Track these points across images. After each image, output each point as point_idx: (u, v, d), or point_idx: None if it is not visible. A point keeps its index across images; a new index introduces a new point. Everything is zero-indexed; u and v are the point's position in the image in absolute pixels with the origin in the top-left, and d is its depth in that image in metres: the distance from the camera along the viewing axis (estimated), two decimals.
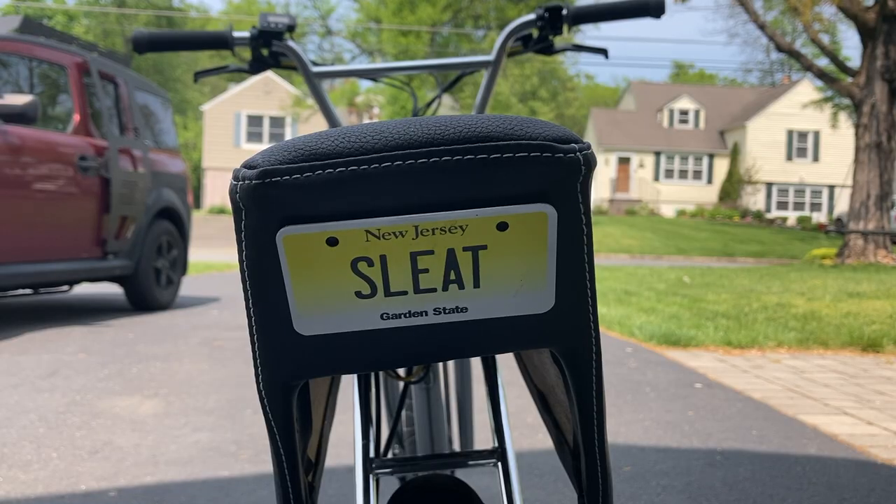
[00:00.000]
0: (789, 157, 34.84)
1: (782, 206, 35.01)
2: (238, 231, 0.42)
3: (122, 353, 3.97)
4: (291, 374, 0.46)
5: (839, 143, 32.06)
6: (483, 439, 2.52)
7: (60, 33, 5.44)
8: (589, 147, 0.42)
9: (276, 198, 0.40)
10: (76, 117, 5.06)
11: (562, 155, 0.41)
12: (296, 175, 0.40)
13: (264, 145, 33.38)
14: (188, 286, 7.71)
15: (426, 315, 0.44)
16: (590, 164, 0.42)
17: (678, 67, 59.94)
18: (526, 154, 0.40)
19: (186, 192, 6.46)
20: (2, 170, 4.33)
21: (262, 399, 0.47)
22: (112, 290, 7.01)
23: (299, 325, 0.44)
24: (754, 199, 34.71)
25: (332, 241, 0.41)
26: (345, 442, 2.49)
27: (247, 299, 0.44)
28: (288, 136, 33.03)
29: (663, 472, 2.30)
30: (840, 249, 13.76)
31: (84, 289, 7.13)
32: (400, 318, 0.44)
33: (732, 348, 4.62)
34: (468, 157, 0.40)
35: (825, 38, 16.78)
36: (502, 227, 0.42)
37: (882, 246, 13.24)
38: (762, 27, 15.64)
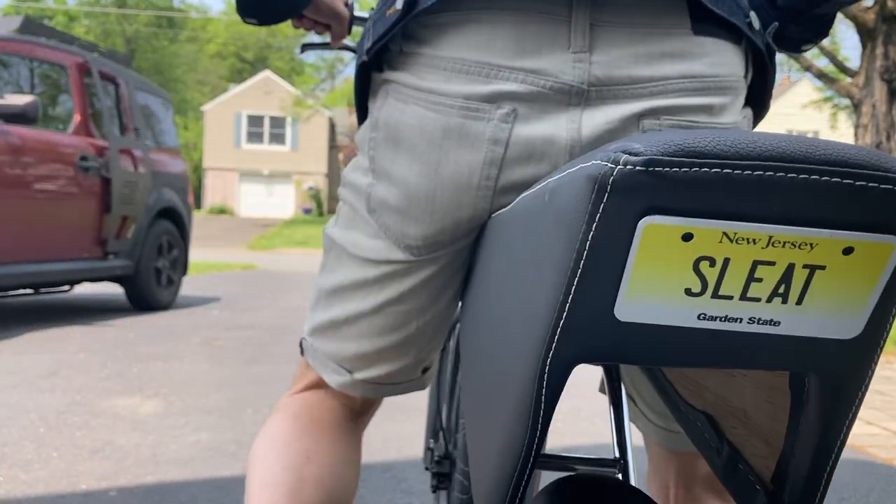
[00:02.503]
0: None
1: None
2: (591, 213, 0.43)
3: (122, 353, 3.97)
4: (595, 355, 0.47)
5: None
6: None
7: (61, 33, 5.44)
8: None
9: (650, 186, 0.41)
10: (77, 117, 5.06)
11: None
12: (676, 168, 0.41)
13: (265, 146, 33.41)
14: (189, 286, 7.71)
15: (741, 322, 0.45)
16: None
17: None
18: (891, 187, 0.42)
19: (187, 192, 6.47)
20: (2, 170, 4.33)
21: (540, 375, 0.48)
22: (113, 289, 7.01)
23: (621, 311, 0.45)
24: None
25: (688, 237, 0.43)
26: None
27: (569, 278, 0.44)
28: (288, 136, 33.09)
29: None
30: None
31: (85, 289, 7.13)
32: (716, 320, 0.45)
33: None
34: (836, 179, 0.42)
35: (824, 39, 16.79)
36: (848, 251, 0.43)
37: None
38: None
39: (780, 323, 0.45)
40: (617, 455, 0.64)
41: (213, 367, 3.71)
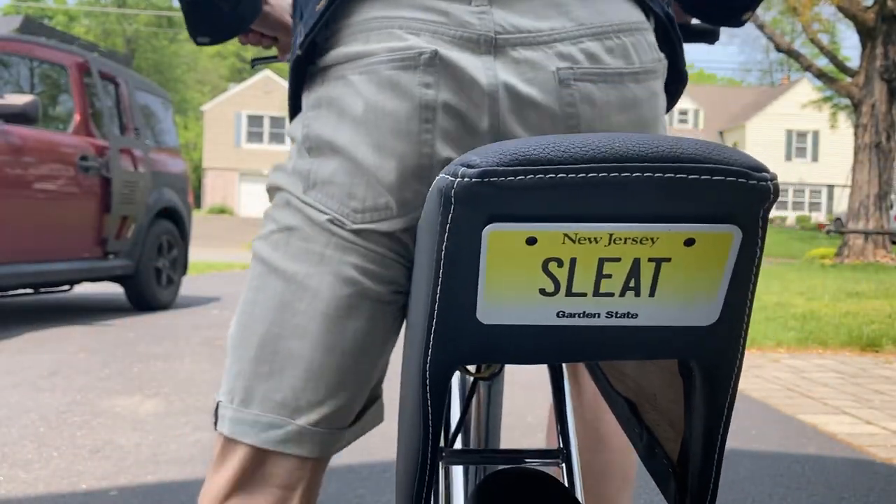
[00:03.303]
0: (788, 157, 34.87)
1: (781, 205, 35.03)
2: (442, 224, 0.45)
3: (122, 353, 3.97)
4: (465, 357, 0.50)
5: (838, 143, 32.08)
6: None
7: (61, 33, 5.44)
8: (776, 177, 0.45)
9: (489, 196, 0.43)
10: (77, 117, 5.07)
11: (755, 182, 0.44)
12: (510, 177, 0.43)
13: (264, 145, 33.44)
14: (189, 286, 7.71)
15: (599, 317, 0.47)
16: (777, 193, 0.45)
17: None
18: (723, 178, 0.43)
19: (187, 191, 6.47)
20: (3, 170, 4.34)
21: (423, 379, 0.50)
22: (113, 289, 7.02)
23: (482, 314, 0.47)
24: None
25: (531, 241, 0.45)
26: None
27: (433, 286, 0.47)
28: (289, 136, 33.03)
29: None
30: (839, 249, 13.77)
31: (85, 288, 7.13)
32: (574, 317, 0.47)
33: None
34: (669, 175, 0.43)
35: (824, 38, 16.80)
36: (689, 242, 0.45)
37: (881, 246, 13.25)
38: (761, 27, 15.64)
39: (637, 315, 0.47)
40: (561, 446, 0.67)
41: (213, 366, 3.71)
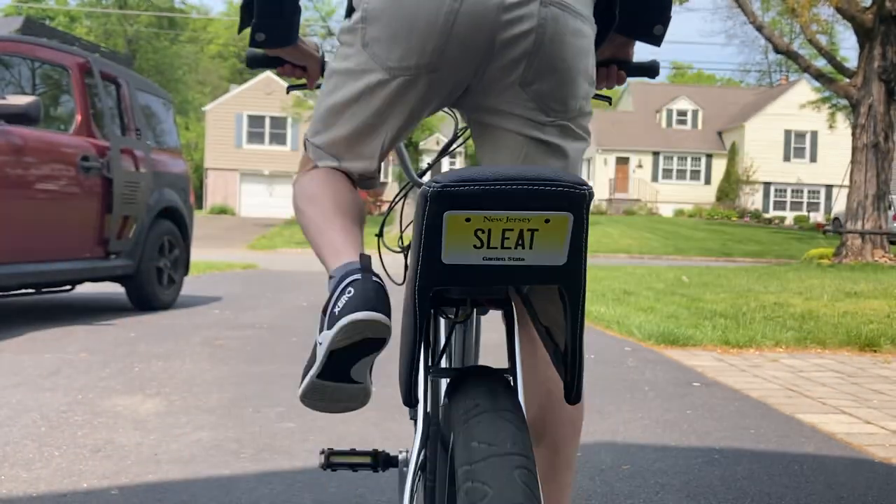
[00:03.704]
0: (787, 158, 34.87)
1: (780, 206, 35.04)
2: (422, 211, 0.82)
3: (123, 353, 3.98)
4: (436, 282, 0.87)
5: (836, 144, 32.06)
6: None
7: (62, 34, 5.46)
8: (591, 188, 0.83)
9: (446, 197, 0.81)
10: (78, 118, 5.07)
11: (580, 190, 0.82)
12: (457, 188, 0.80)
13: (266, 146, 33.50)
14: (190, 286, 7.72)
15: (504, 260, 0.84)
16: (592, 195, 0.83)
17: (677, 68, 59.94)
18: (563, 188, 0.81)
19: (188, 192, 6.48)
20: (4, 170, 4.35)
21: (414, 299, 0.87)
22: (114, 289, 7.02)
23: (445, 258, 0.84)
24: (752, 199, 34.73)
25: (468, 220, 0.81)
26: (344, 436, 2.51)
27: (418, 244, 0.84)
28: (289, 136, 33.18)
29: (662, 471, 2.32)
30: (837, 249, 13.78)
31: (86, 288, 7.14)
32: (492, 260, 0.84)
33: (730, 347, 4.64)
34: (535, 187, 0.81)
35: (823, 39, 16.79)
36: (547, 221, 0.82)
37: (879, 246, 13.25)
38: (760, 28, 15.65)
39: (524, 259, 0.84)
40: (508, 366, 0.99)
41: (214, 366, 3.72)
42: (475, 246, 0.83)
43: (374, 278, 0.98)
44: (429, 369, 0.99)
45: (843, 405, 3.26)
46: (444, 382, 1.10)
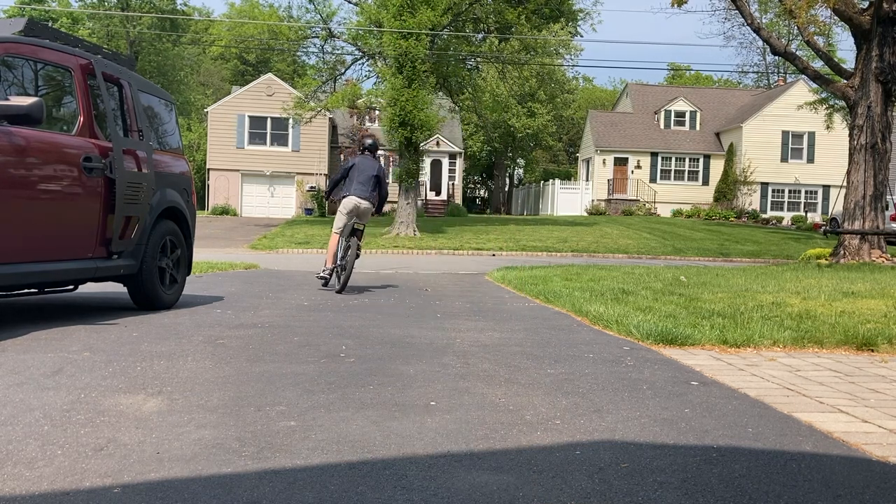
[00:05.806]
0: (784, 158, 34.90)
1: (777, 206, 35.08)
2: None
3: (126, 352, 4.00)
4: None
5: (834, 144, 32.10)
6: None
7: (65, 35, 5.47)
8: None
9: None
10: (81, 119, 5.09)
11: None
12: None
13: (267, 147, 33.55)
14: (192, 285, 7.74)
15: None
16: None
17: (675, 70, 59.89)
18: None
19: (190, 192, 6.50)
20: (7, 171, 4.37)
21: (340, 234, 7.96)
22: (116, 289, 7.04)
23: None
24: (750, 200, 34.76)
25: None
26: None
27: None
28: (290, 137, 33.22)
29: (660, 469, 2.34)
30: (835, 249, 13.79)
31: (89, 288, 7.16)
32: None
33: (728, 347, 4.66)
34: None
35: (820, 41, 16.80)
36: None
37: (876, 246, 13.26)
38: (758, 30, 15.66)
39: (363, 225, 8.13)
40: (356, 238, 7.39)
41: (215, 365, 3.74)
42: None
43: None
44: (340, 245, 7.97)
45: (840, 404, 3.28)
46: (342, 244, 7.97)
